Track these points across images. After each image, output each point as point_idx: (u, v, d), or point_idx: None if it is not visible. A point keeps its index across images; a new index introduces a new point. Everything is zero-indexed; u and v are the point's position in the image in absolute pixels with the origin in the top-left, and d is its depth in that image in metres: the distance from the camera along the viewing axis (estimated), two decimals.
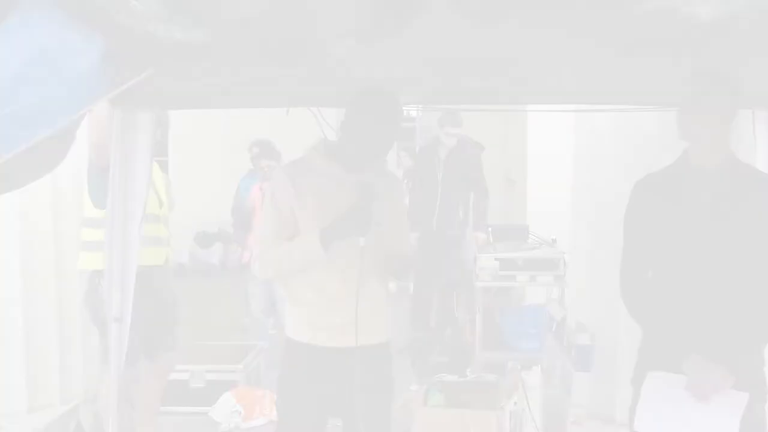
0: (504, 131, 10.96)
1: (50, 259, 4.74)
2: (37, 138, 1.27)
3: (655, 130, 4.31)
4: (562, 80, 3.52)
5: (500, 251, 5.84)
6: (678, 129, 2.57)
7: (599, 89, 3.79)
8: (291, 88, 3.34)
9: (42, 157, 1.44)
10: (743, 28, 1.29)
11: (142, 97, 3.18)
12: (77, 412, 4.76)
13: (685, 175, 2.62)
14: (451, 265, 6.52)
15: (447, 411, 3.58)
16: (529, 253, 5.81)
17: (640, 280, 2.74)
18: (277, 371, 2.89)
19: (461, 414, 3.39)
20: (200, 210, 11.22)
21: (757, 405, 2.60)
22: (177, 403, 5.11)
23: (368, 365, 2.67)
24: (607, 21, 1.29)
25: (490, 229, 6.35)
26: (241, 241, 6.33)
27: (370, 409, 2.70)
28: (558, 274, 5.65)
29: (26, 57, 1.26)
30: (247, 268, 6.16)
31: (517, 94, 3.89)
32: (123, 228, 3.28)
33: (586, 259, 4.78)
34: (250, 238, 6.15)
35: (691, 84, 2.52)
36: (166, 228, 4.15)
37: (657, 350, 2.68)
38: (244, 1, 1.27)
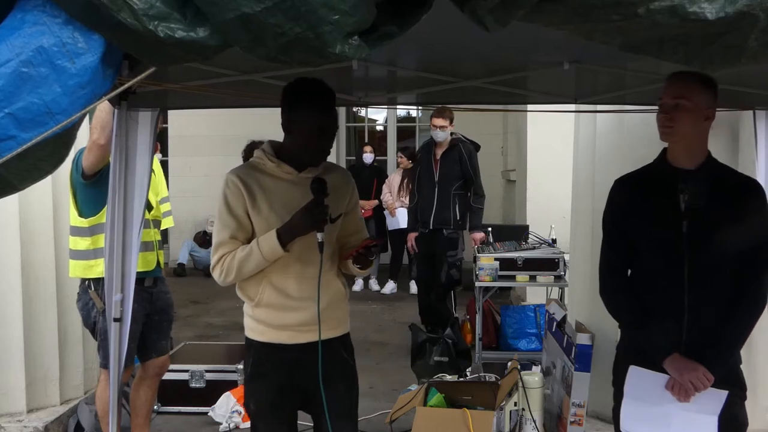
0: (504, 131, 10.98)
1: (50, 259, 4.73)
2: (37, 139, 1.27)
3: (656, 130, 4.31)
4: (563, 80, 3.53)
5: (500, 251, 5.85)
6: (658, 128, 2.58)
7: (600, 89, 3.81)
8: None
9: (42, 159, 1.43)
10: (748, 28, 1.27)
11: (142, 97, 3.19)
12: (77, 412, 4.76)
13: (664, 174, 2.62)
14: (449, 265, 6.52)
15: (447, 411, 3.57)
16: (529, 253, 5.81)
17: (620, 279, 2.74)
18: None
19: (461, 414, 3.39)
20: (200, 210, 11.25)
21: (736, 401, 2.62)
22: (177, 403, 5.12)
23: (332, 358, 2.72)
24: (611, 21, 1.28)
25: (489, 229, 6.36)
26: None
27: (337, 400, 2.74)
28: (558, 274, 5.66)
29: (25, 57, 1.26)
30: None
31: (518, 94, 3.90)
32: (123, 229, 3.28)
33: (586, 259, 4.77)
34: None
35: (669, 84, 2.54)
36: (156, 233, 4.14)
37: (635, 349, 2.69)
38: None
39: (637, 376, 2.62)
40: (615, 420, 2.75)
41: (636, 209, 2.67)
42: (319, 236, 2.57)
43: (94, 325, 3.95)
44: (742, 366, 2.73)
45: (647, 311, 2.62)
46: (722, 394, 2.53)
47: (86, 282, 3.94)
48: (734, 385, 2.62)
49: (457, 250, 6.58)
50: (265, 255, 2.62)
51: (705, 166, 2.60)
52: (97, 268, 3.80)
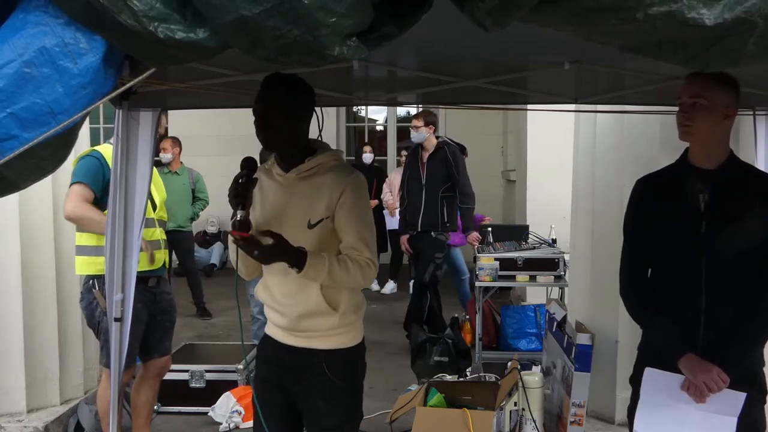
0: (504, 131, 10.98)
1: (50, 259, 4.74)
2: (39, 139, 1.27)
3: (656, 130, 4.32)
4: (563, 80, 3.54)
5: (500, 251, 5.85)
6: (677, 127, 2.57)
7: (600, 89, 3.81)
8: None
9: (44, 158, 1.44)
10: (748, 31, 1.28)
11: (143, 97, 3.20)
12: (77, 412, 4.76)
13: (685, 174, 2.62)
14: (435, 266, 6.56)
15: (447, 411, 3.57)
16: (529, 253, 5.82)
17: (639, 279, 2.74)
18: None
19: (461, 414, 3.39)
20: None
21: (755, 404, 2.61)
22: (177, 403, 5.13)
23: (310, 371, 2.69)
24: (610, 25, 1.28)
25: (489, 229, 6.37)
26: None
27: (318, 416, 2.72)
28: (558, 274, 5.66)
29: (28, 57, 1.26)
30: None
31: (518, 94, 3.90)
32: (124, 228, 3.28)
33: (586, 259, 4.77)
34: None
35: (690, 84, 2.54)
36: (162, 232, 4.16)
37: (656, 349, 2.68)
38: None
39: (652, 377, 2.61)
40: (630, 419, 2.74)
41: (656, 209, 2.66)
42: (239, 214, 2.51)
43: (98, 324, 3.96)
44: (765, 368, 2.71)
45: (665, 311, 2.62)
46: (741, 396, 2.51)
47: (90, 281, 3.95)
48: (753, 387, 2.59)
49: (444, 253, 6.67)
50: (230, 244, 2.65)
51: (725, 166, 2.58)
52: (100, 265, 3.81)
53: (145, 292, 3.94)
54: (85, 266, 3.96)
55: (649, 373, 2.62)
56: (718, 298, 2.55)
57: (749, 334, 2.57)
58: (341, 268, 2.56)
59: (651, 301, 2.67)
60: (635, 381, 2.74)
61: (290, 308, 2.66)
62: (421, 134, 6.62)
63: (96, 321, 3.97)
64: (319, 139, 2.83)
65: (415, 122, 6.67)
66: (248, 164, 2.57)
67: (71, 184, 3.92)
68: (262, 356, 2.85)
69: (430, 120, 6.63)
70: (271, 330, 2.80)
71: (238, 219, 2.50)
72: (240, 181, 2.52)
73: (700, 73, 2.45)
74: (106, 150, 3.90)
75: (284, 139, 2.65)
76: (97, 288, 3.90)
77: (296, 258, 2.51)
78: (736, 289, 2.56)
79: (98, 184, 3.86)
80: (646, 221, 2.68)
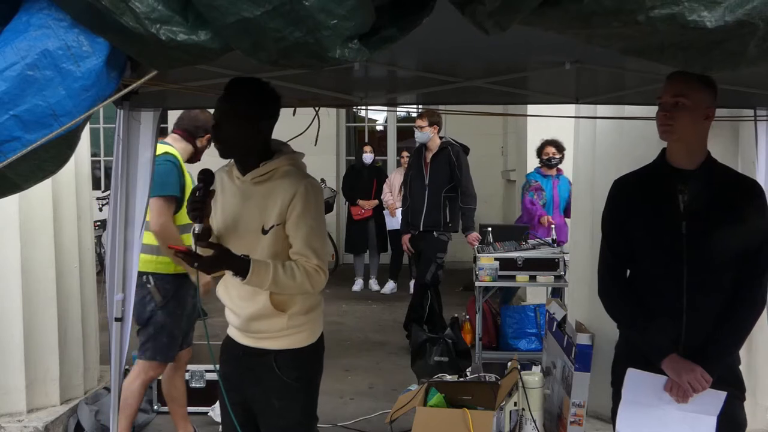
0: (504, 131, 10.98)
1: (50, 259, 4.74)
2: (41, 141, 1.28)
3: (655, 130, 4.31)
4: (564, 80, 3.54)
5: (500, 251, 5.86)
6: (658, 127, 2.58)
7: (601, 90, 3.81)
8: (297, 89, 3.36)
9: (46, 160, 1.44)
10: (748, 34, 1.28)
11: (144, 98, 3.21)
12: (77, 412, 4.76)
13: (664, 175, 2.63)
14: (437, 266, 6.58)
15: (447, 411, 3.58)
16: (529, 253, 5.82)
17: (617, 279, 2.74)
18: None
19: (461, 414, 3.40)
20: None
21: (735, 402, 2.63)
22: None
23: (264, 372, 2.72)
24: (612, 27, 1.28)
25: (490, 229, 6.38)
26: None
27: (271, 416, 2.74)
28: (558, 274, 5.67)
29: (31, 60, 1.26)
30: None
31: (518, 94, 3.90)
32: (125, 228, 3.29)
33: (586, 259, 4.77)
34: None
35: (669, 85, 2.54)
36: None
37: (634, 350, 2.69)
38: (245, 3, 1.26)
39: (635, 378, 2.62)
40: (614, 421, 2.75)
41: (635, 210, 2.67)
42: (196, 227, 2.56)
43: (149, 318, 4.08)
44: (741, 366, 2.74)
45: (646, 312, 2.62)
46: (721, 395, 2.53)
47: (144, 276, 4.01)
48: (732, 385, 2.62)
49: (446, 253, 6.69)
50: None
51: (704, 167, 2.60)
52: (159, 264, 4.06)
53: (188, 289, 4.13)
54: (143, 263, 4.01)
55: (632, 374, 2.63)
56: (700, 298, 2.56)
57: (731, 334, 2.59)
58: (286, 276, 2.55)
59: (631, 300, 2.68)
60: (616, 381, 2.75)
61: (242, 310, 2.72)
62: (425, 134, 6.64)
63: (147, 315, 4.08)
64: (288, 139, 2.85)
65: (419, 122, 6.68)
66: (205, 177, 2.60)
67: (153, 196, 3.90)
68: (223, 356, 2.90)
69: (434, 120, 6.64)
70: (230, 330, 2.86)
71: (195, 232, 2.55)
72: (197, 194, 2.56)
73: (681, 72, 2.45)
74: (171, 150, 4.14)
75: (236, 145, 2.65)
76: (152, 283, 4.05)
77: (239, 266, 2.54)
78: (718, 288, 2.57)
79: (177, 188, 4.07)
80: (626, 222, 2.69)
